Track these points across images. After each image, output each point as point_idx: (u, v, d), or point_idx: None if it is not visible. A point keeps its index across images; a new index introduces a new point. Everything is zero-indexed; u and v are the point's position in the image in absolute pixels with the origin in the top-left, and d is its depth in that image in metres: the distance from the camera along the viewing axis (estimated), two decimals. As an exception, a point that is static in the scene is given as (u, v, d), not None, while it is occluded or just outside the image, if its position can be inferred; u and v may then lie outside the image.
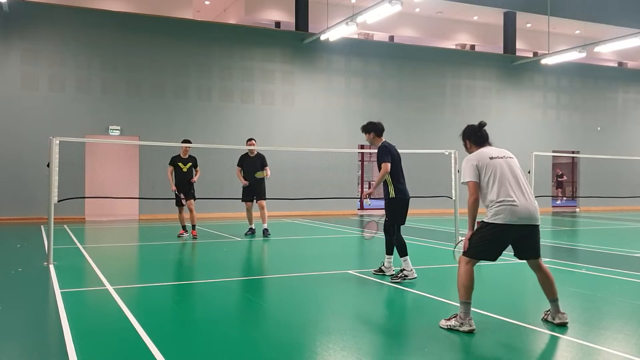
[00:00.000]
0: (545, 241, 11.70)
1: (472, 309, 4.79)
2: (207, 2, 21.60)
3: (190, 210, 11.44)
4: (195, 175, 11.60)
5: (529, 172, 11.46)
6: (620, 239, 12.91)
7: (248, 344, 4.55)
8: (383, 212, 7.24)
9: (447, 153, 11.12)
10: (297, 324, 5.21)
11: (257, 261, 9.77)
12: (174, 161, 11.46)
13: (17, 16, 15.89)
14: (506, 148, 5.12)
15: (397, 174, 7.08)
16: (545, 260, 8.90)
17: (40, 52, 16.14)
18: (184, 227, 11.71)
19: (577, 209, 23.32)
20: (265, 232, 11.92)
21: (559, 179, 28.14)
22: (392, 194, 6.99)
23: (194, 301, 6.38)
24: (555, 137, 22.96)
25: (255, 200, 11.96)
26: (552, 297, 5.04)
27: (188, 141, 11.53)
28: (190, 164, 11.44)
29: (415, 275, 6.96)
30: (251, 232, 12.17)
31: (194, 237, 11.42)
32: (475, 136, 5.12)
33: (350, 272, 7.74)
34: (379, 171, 7.03)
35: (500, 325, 5.05)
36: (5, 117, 15.75)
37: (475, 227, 4.87)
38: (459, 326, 4.76)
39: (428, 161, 18.00)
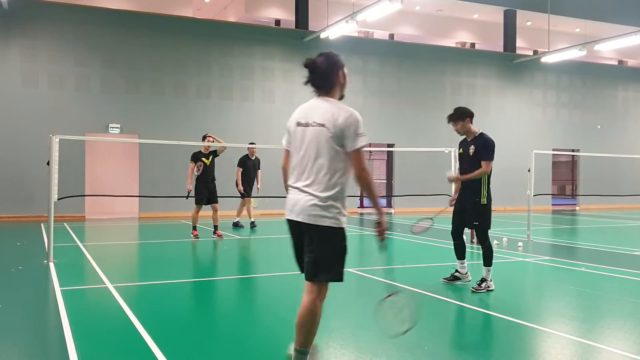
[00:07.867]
0: (545, 239, 11.70)
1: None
2: (206, 0, 21.57)
3: (215, 210, 11.15)
4: (219, 148, 11.13)
5: (528, 171, 11.46)
6: (619, 237, 12.92)
7: (249, 343, 4.55)
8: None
9: (446, 151, 11.12)
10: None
11: (257, 259, 9.77)
12: (197, 157, 10.98)
13: (17, 13, 15.86)
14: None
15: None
16: (544, 259, 8.93)
17: (39, 49, 16.12)
18: (195, 227, 11.17)
19: (577, 207, 23.32)
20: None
21: None
22: (484, 199, 6.31)
23: (193, 299, 6.38)
24: (555, 136, 22.95)
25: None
26: (297, 346, 3.45)
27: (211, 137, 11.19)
28: (211, 156, 11.10)
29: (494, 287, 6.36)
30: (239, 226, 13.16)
31: (220, 237, 11.05)
32: None
33: (350, 270, 7.74)
34: (471, 166, 6.33)
35: (499, 323, 5.06)
36: (5, 115, 15.73)
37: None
38: None
39: (428, 159, 18.05)
